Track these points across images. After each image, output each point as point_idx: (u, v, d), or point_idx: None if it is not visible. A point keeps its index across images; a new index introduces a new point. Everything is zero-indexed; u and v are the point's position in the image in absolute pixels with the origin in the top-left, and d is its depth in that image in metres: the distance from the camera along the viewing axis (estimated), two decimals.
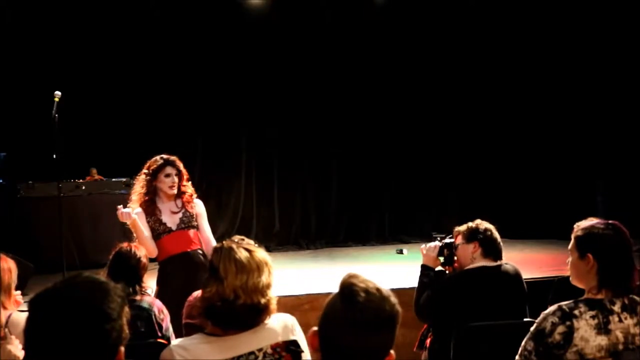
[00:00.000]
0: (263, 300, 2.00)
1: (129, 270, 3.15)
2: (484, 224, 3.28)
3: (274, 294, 2.07)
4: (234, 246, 2.06)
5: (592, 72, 8.42)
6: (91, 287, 1.39)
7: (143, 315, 3.10)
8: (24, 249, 6.03)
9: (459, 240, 3.31)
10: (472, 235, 3.24)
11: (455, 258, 3.36)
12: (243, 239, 2.14)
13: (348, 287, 1.53)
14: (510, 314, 3.10)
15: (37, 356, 1.34)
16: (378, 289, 1.55)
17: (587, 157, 8.48)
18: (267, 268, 2.05)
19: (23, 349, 1.41)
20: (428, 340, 3.34)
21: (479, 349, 2.91)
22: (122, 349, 1.39)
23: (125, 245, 3.28)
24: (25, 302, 3.00)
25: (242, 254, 2.03)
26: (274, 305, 2.05)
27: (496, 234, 3.27)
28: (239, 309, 1.97)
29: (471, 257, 3.22)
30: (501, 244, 3.28)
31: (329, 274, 6.14)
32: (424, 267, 3.36)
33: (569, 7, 8.42)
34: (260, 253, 2.08)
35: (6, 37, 7.85)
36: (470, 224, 3.31)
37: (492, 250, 3.23)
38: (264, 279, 2.03)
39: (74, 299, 1.35)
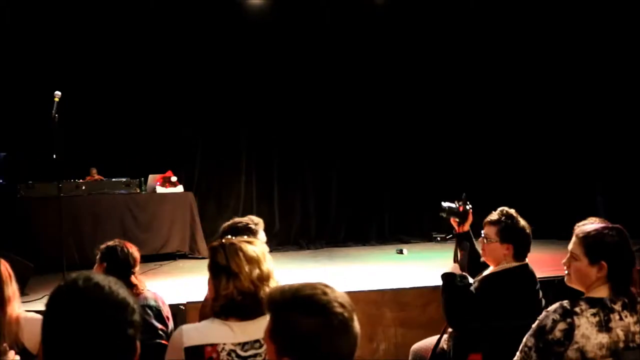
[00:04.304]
0: (273, 285, 2.07)
1: (120, 266, 3.11)
2: (520, 220, 3.13)
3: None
4: (235, 241, 2.11)
5: (592, 74, 8.42)
6: (119, 313, 1.32)
7: (154, 313, 3.13)
8: (24, 249, 6.03)
9: (490, 233, 3.13)
10: (509, 237, 3.09)
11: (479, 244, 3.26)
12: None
13: (304, 299, 1.41)
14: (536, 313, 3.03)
15: None
16: (325, 285, 1.45)
17: (587, 158, 8.48)
18: (268, 256, 2.16)
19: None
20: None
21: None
22: None
23: (112, 242, 3.26)
24: (24, 301, 3.00)
25: (247, 247, 2.11)
26: None
27: (529, 231, 3.14)
28: (260, 299, 2.00)
29: (503, 257, 3.10)
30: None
31: (329, 274, 6.14)
32: (450, 275, 3.14)
33: (569, 8, 8.42)
34: (258, 242, 2.18)
35: (6, 37, 7.86)
36: (504, 219, 3.12)
37: (525, 253, 3.12)
38: (270, 266, 2.12)
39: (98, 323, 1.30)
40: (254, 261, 2.07)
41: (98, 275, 1.38)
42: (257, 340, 2.01)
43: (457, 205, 3.43)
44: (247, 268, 2.05)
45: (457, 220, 3.42)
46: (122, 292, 1.35)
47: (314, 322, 1.38)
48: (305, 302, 1.41)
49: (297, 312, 1.40)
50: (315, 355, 1.39)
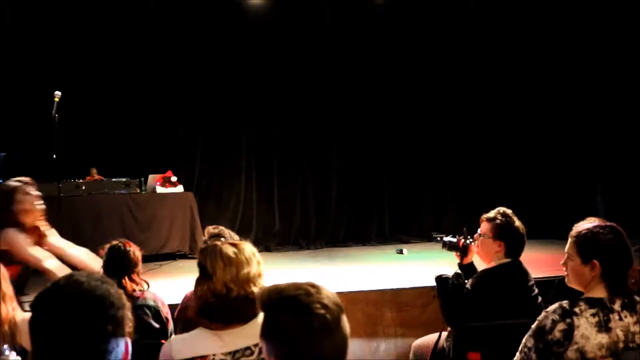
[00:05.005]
0: (256, 290, 2.02)
1: (115, 265, 3.15)
2: (515, 220, 3.21)
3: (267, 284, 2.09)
4: (219, 243, 2.10)
5: (592, 73, 8.42)
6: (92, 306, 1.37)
7: (152, 313, 3.13)
8: None
9: (485, 230, 3.24)
10: (502, 234, 3.18)
11: (473, 241, 3.33)
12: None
13: (287, 300, 1.40)
14: (534, 311, 3.06)
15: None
16: (311, 285, 1.45)
17: (587, 158, 8.48)
18: (255, 259, 2.10)
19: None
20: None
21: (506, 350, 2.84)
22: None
23: (115, 241, 3.27)
24: (24, 301, 3.00)
25: (228, 249, 2.08)
26: None
27: (523, 232, 3.22)
28: (233, 302, 2.00)
29: (494, 254, 3.19)
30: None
31: (329, 274, 6.13)
32: (443, 277, 3.23)
33: (569, 7, 8.42)
34: (247, 246, 2.13)
35: (6, 37, 7.86)
36: (500, 217, 3.21)
37: (517, 251, 3.20)
38: (254, 269, 2.07)
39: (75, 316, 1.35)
40: (232, 263, 2.04)
41: (81, 274, 1.43)
42: (248, 348, 1.98)
43: (457, 240, 3.49)
44: (221, 270, 2.02)
45: (459, 254, 3.49)
46: (103, 287, 1.39)
47: (295, 323, 1.38)
48: (287, 303, 1.40)
49: (280, 313, 1.40)
50: (298, 355, 1.38)
